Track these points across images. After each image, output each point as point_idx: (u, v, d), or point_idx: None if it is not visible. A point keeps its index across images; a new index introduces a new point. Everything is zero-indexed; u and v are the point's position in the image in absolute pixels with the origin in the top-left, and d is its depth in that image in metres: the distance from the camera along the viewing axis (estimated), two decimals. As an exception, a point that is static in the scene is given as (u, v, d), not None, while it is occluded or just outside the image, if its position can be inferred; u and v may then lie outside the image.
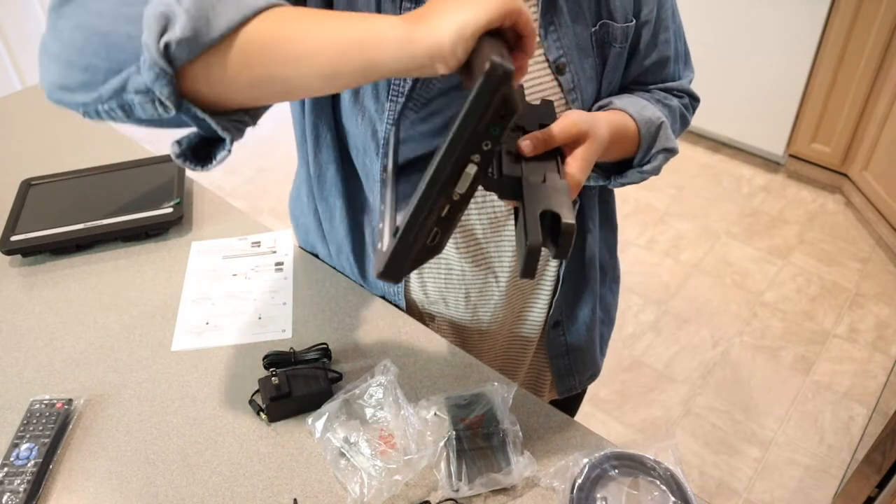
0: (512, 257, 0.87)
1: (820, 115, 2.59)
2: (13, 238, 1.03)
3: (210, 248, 1.05)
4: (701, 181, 2.84)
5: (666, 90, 0.88)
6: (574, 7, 0.74)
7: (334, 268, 1.00)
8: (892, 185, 2.39)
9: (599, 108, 0.80)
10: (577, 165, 0.65)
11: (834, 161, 2.66)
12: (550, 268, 0.91)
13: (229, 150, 0.59)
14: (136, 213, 1.06)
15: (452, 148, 0.52)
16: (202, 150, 0.60)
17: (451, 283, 0.89)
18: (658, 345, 2.19)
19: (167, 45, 0.51)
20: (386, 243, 0.57)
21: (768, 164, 2.90)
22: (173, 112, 0.54)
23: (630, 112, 0.78)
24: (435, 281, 0.90)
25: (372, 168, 0.80)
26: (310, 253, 1.03)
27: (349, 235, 0.91)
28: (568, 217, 0.56)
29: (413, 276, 0.90)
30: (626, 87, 0.86)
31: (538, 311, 0.95)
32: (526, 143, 0.64)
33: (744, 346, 2.17)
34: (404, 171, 0.78)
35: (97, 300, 0.97)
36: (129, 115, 0.56)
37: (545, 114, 0.69)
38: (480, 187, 0.63)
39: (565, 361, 1.01)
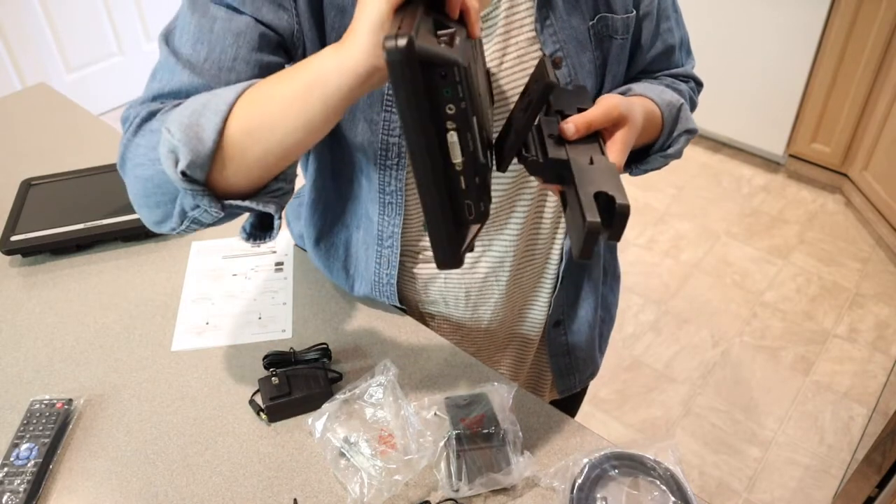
0: (513, 255, 0.87)
1: (820, 115, 2.59)
2: (13, 238, 1.03)
3: (210, 248, 1.05)
4: (701, 181, 2.84)
5: (672, 76, 0.88)
6: (571, 0, 0.74)
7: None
8: (892, 185, 2.39)
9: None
10: (616, 149, 0.66)
11: (834, 161, 2.66)
12: (551, 266, 0.91)
13: (280, 217, 0.68)
14: (136, 213, 1.06)
15: (408, 133, 0.51)
16: (264, 225, 0.70)
17: (451, 282, 0.89)
18: (658, 345, 2.19)
19: (184, 173, 0.60)
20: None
21: (768, 164, 2.90)
22: (223, 213, 0.63)
23: (651, 96, 0.78)
24: (434, 280, 0.89)
25: (374, 178, 0.80)
26: (306, 251, 1.04)
27: (326, 256, 0.93)
28: (622, 198, 0.56)
29: (412, 275, 0.90)
30: (632, 79, 0.86)
31: (538, 310, 0.95)
32: (569, 126, 0.63)
33: (744, 346, 2.17)
34: None
35: (97, 300, 0.97)
36: (199, 225, 0.66)
37: (581, 98, 0.69)
38: (524, 170, 0.61)
39: (566, 360, 1.01)
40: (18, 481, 0.73)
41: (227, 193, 0.64)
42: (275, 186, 0.66)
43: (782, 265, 2.46)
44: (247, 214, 0.70)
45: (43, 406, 0.80)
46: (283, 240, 1.05)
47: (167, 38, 0.69)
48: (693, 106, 0.91)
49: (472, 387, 0.83)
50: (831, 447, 1.89)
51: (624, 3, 0.77)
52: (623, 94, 0.79)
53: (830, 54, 2.46)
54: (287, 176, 0.68)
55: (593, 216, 0.54)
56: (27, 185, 1.14)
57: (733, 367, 2.11)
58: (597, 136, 0.65)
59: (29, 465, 0.74)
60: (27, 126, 1.34)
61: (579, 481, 0.72)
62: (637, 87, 0.80)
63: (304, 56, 0.71)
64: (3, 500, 0.71)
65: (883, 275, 2.41)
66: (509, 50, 0.74)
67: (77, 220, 1.06)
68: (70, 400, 0.82)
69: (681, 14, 0.87)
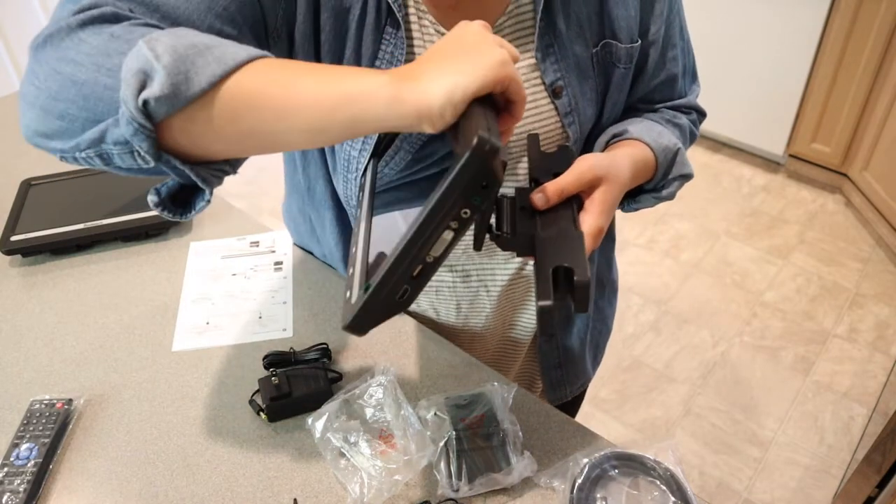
0: (504, 269, 0.87)
1: (820, 115, 2.59)
2: (13, 238, 1.03)
3: (209, 249, 1.05)
4: (701, 181, 2.84)
5: (674, 108, 0.86)
6: (574, 28, 0.72)
7: (332, 266, 1.00)
8: (892, 185, 2.39)
9: (614, 137, 0.78)
10: (596, 211, 0.64)
11: (834, 161, 2.66)
12: None
13: (208, 200, 0.58)
14: (136, 213, 1.06)
15: (433, 215, 0.50)
16: (181, 198, 0.59)
17: (442, 295, 0.89)
18: (658, 345, 2.19)
19: (146, 102, 0.49)
20: (355, 296, 0.55)
21: (768, 164, 2.90)
22: (153, 164, 0.53)
23: (647, 141, 0.76)
24: (426, 293, 0.89)
25: (340, 188, 0.80)
26: (305, 251, 1.03)
27: (339, 244, 0.91)
28: (581, 272, 0.55)
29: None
30: (632, 107, 0.84)
31: (529, 316, 0.95)
32: (538, 197, 0.62)
33: (744, 346, 2.17)
34: (377, 211, 0.78)
35: (97, 300, 0.97)
36: (107, 163, 0.55)
37: (561, 161, 0.67)
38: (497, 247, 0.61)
39: (558, 373, 1.00)
40: (18, 481, 0.73)
41: (170, 148, 0.53)
42: (221, 166, 0.57)
43: (782, 265, 2.46)
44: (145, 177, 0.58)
45: (43, 406, 0.80)
46: (282, 239, 1.05)
47: None
48: (693, 138, 0.89)
49: (472, 387, 0.83)
50: (831, 447, 1.89)
51: (629, 32, 0.75)
52: (618, 135, 0.78)
53: (830, 54, 2.46)
54: (237, 163, 0.59)
55: (545, 297, 0.54)
56: (27, 185, 1.14)
57: (733, 367, 2.11)
58: (571, 202, 0.64)
59: (29, 465, 0.74)
60: (27, 126, 1.34)
61: (579, 481, 0.72)
62: (634, 128, 0.78)
63: (289, 49, 0.68)
64: (3, 500, 0.71)
65: (883, 275, 2.41)
66: None
67: (77, 220, 1.06)
68: (70, 400, 0.82)
69: (688, 40, 0.85)
